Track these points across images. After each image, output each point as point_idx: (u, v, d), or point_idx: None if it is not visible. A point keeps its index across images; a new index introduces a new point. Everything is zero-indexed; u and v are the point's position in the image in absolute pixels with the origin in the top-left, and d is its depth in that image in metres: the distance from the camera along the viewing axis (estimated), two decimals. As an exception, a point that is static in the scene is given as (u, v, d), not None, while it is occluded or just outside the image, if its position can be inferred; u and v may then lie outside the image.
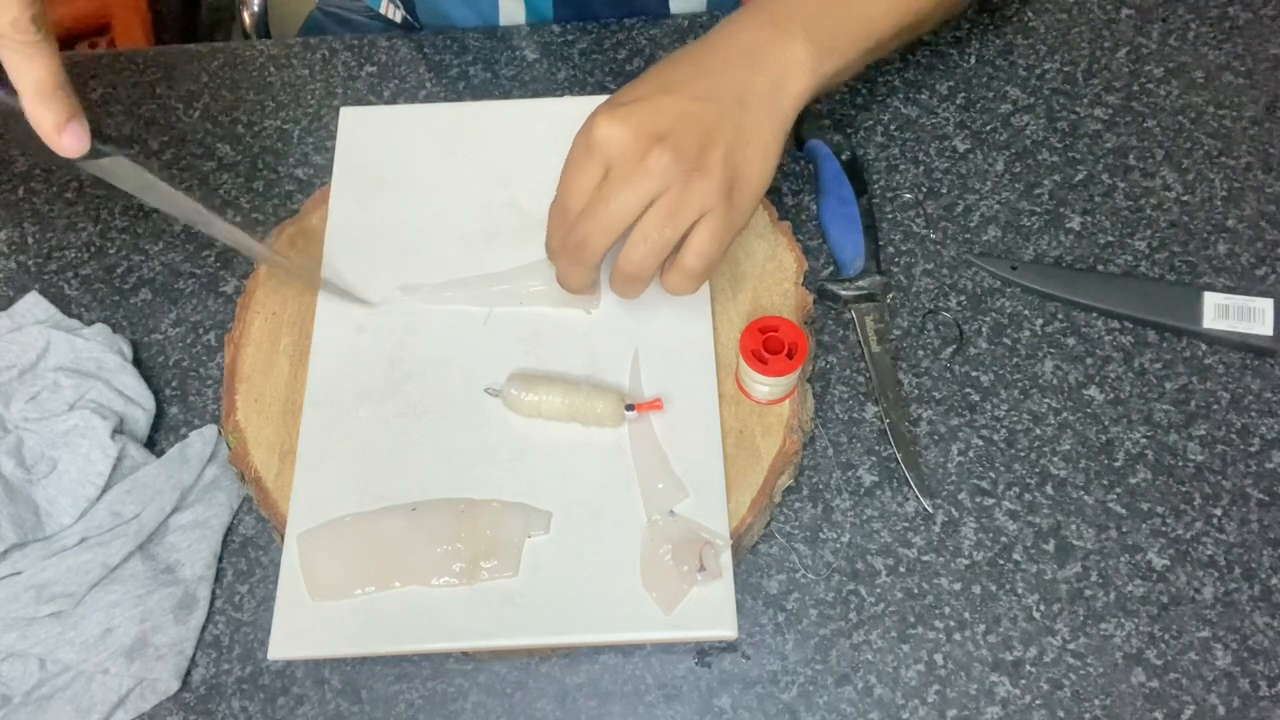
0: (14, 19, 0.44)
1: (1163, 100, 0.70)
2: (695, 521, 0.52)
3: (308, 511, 0.53)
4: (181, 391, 0.62)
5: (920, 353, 0.61)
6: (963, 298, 0.63)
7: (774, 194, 0.67)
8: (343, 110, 0.67)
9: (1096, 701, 0.52)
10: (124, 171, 0.51)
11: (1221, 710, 0.51)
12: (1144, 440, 0.58)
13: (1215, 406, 0.59)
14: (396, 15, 0.87)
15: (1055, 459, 0.58)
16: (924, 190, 0.67)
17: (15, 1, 0.44)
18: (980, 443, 0.58)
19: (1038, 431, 0.59)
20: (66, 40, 1.37)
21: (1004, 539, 0.56)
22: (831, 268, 0.64)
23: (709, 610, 0.50)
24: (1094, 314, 0.62)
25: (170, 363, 0.62)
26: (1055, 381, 0.60)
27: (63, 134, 0.47)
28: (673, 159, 0.48)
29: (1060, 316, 0.62)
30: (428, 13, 0.82)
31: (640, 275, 0.50)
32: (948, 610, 0.54)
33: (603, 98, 0.52)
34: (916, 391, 0.60)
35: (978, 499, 0.57)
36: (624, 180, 0.48)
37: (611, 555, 0.52)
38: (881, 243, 0.65)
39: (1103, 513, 0.56)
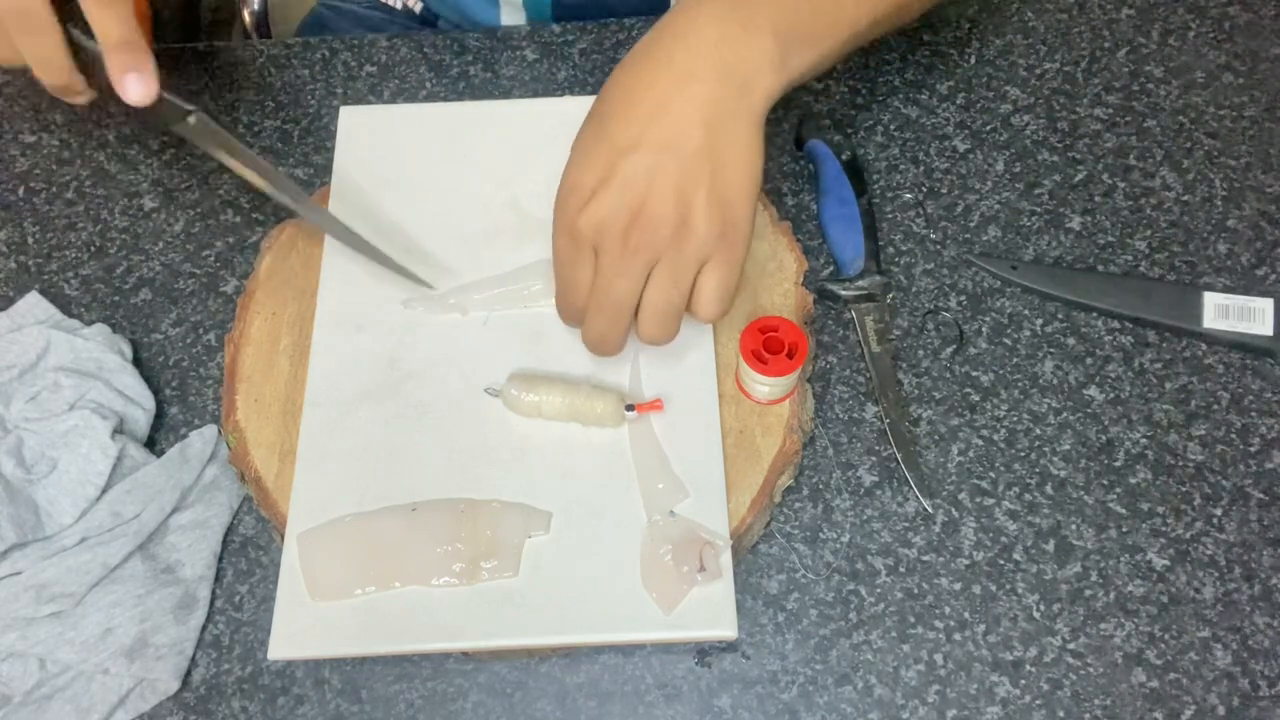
0: None
1: (1163, 100, 0.70)
2: (695, 521, 0.52)
3: (308, 511, 0.53)
4: (181, 391, 0.62)
5: (920, 353, 0.61)
6: (963, 298, 0.63)
7: (774, 194, 0.67)
8: (343, 110, 0.67)
9: (1096, 701, 0.52)
10: (205, 131, 0.55)
11: (1221, 710, 0.52)
12: (1144, 440, 0.58)
13: (1215, 406, 0.59)
14: (415, 4, 0.87)
15: (1055, 459, 0.58)
16: (924, 190, 0.67)
17: None
18: (980, 443, 0.58)
19: (1038, 431, 0.59)
20: (66, 40, 1.36)
21: (1004, 539, 0.56)
22: (831, 268, 0.64)
23: (709, 610, 0.50)
24: (1094, 314, 0.62)
25: (170, 363, 0.62)
26: (1055, 381, 0.60)
27: (126, 79, 0.50)
28: (655, 231, 0.46)
29: (1060, 316, 0.62)
30: (438, 2, 0.82)
31: (663, 338, 0.50)
32: (948, 610, 0.54)
33: None
34: (916, 391, 0.60)
35: (978, 499, 0.57)
36: (614, 270, 0.47)
37: (611, 555, 0.52)
38: (881, 243, 0.65)
39: (1103, 513, 0.56)
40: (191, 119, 0.55)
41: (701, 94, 0.46)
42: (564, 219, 0.48)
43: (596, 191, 0.46)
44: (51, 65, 0.51)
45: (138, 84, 0.51)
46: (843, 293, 0.62)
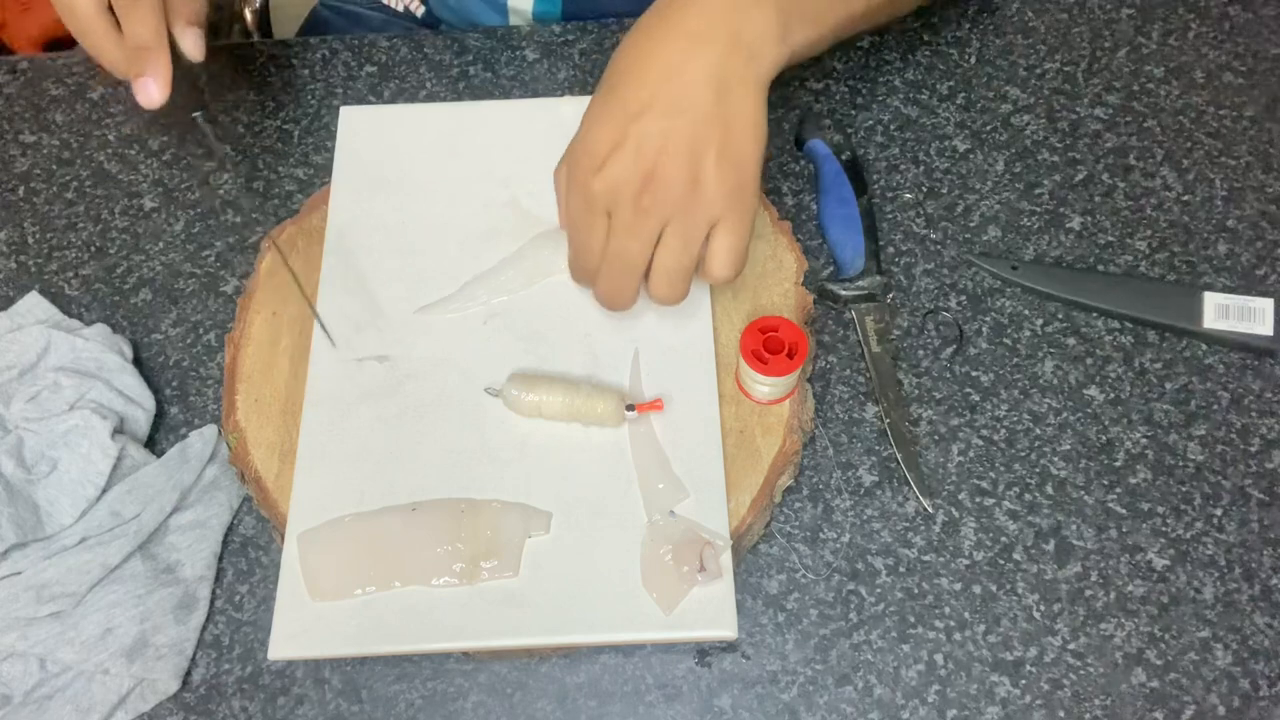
0: None
1: (1163, 100, 0.70)
2: (695, 522, 0.52)
3: (308, 511, 0.53)
4: (181, 391, 0.62)
5: (920, 353, 0.61)
6: (963, 298, 0.63)
7: (774, 194, 0.67)
8: (343, 110, 0.67)
9: (1097, 701, 0.52)
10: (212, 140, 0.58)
11: (1222, 710, 0.51)
12: (1144, 440, 0.58)
13: (1215, 406, 0.59)
14: (417, 8, 0.87)
15: (1055, 459, 0.58)
16: (924, 190, 0.67)
17: None
18: (980, 443, 0.58)
19: (1038, 431, 0.59)
20: (67, 40, 1.37)
21: (1004, 539, 0.56)
22: (831, 268, 0.64)
23: (709, 610, 0.50)
24: (1094, 314, 0.62)
25: (170, 363, 0.62)
26: (1055, 381, 0.60)
27: (139, 82, 0.53)
28: (667, 192, 0.47)
29: (1060, 316, 0.62)
30: (440, 4, 0.83)
31: (673, 299, 0.51)
32: (948, 610, 0.54)
33: None
34: (916, 391, 0.60)
35: (978, 499, 0.57)
36: (628, 231, 0.48)
37: (612, 555, 0.52)
38: (881, 243, 0.65)
39: (1103, 513, 0.56)
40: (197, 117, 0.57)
41: (711, 59, 0.48)
42: (578, 182, 0.49)
43: (610, 154, 0.47)
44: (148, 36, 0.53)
45: (147, 88, 0.53)
46: (843, 293, 0.62)
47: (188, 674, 0.53)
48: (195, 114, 0.57)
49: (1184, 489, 0.57)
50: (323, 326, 0.58)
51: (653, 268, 0.50)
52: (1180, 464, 0.58)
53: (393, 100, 0.72)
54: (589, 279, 0.53)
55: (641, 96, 0.48)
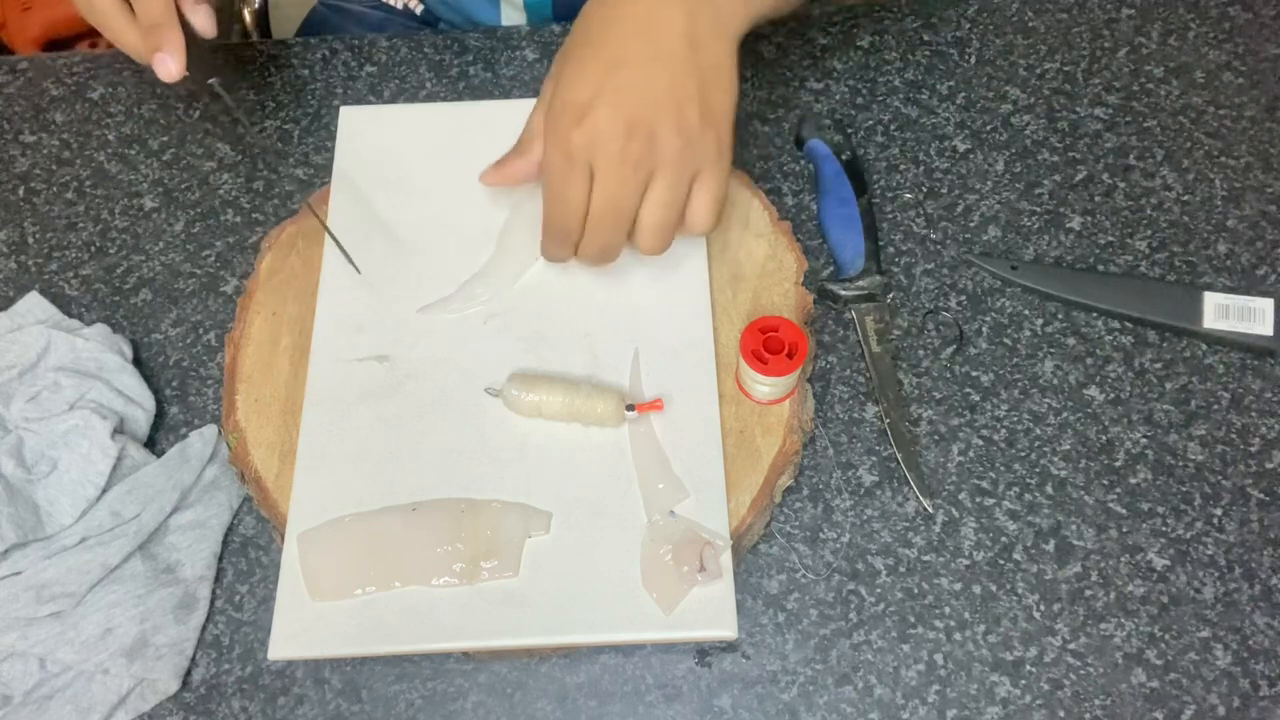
0: None
1: (1163, 100, 0.70)
2: (695, 522, 0.52)
3: (308, 511, 0.53)
4: (181, 391, 0.61)
5: (920, 353, 0.61)
6: (963, 298, 0.63)
7: (774, 194, 0.67)
8: (343, 110, 0.67)
9: (1097, 701, 0.52)
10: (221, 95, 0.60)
11: (1222, 710, 0.51)
12: (1144, 440, 0.58)
13: (1215, 406, 0.59)
14: (416, 5, 0.88)
15: (1055, 459, 0.58)
16: (924, 190, 0.67)
17: None
18: (980, 443, 0.58)
19: (1038, 431, 0.59)
20: (67, 40, 1.37)
21: (1004, 539, 0.56)
22: (831, 268, 0.64)
23: (709, 610, 0.50)
24: (1094, 314, 0.62)
25: (170, 363, 0.62)
26: (1055, 381, 0.60)
27: (156, 57, 0.54)
28: (651, 141, 0.48)
29: (1060, 316, 0.62)
30: (437, 1, 0.83)
31: (661, 249, 0.52)
32: (948, 610, 0.54)
33: None
34: (916, 391, 0.60)
35: (978, 499, 0.57)
36: (617, 182, 0.49)
37: (612, 555, 0.52)
38: (881, 243, 0.65)
39: (1103, 513, 0.56)
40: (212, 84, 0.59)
41: (682, 13, 0.49)
42: (557, 137, 0.49)
43: (589, 107, 0.48)
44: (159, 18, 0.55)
45: (164, 62, 0.55)
46: (843, 293, 0.62)
47: (188, 674, 0.53)
48: (211, 80, 0.59)
49: (1184, 489, 0.57)
50: (344, 253, 0.60)
51: (641, 221, 0.51)
52: (1180, 464, 0.58)
53: (393, 100, 0.72)
54: (568, 240, 0.52)
55: (618, 51, 0.49)
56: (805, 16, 0.73)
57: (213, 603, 0.55)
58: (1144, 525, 0.56)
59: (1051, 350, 0.61)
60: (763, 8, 0.53)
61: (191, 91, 0.59)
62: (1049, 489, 0.57)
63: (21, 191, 0.69)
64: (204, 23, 0.57)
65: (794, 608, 0.54)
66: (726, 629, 0.50)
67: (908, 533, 0.56)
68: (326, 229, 0.60)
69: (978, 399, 0.60)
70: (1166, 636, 0.53)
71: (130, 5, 0.55)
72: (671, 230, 0.51)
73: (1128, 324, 0.62)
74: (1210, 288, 0.62)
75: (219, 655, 0.54)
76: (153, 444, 0.60)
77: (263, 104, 0.72)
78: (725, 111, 0.50)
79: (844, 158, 0.65)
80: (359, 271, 0.60)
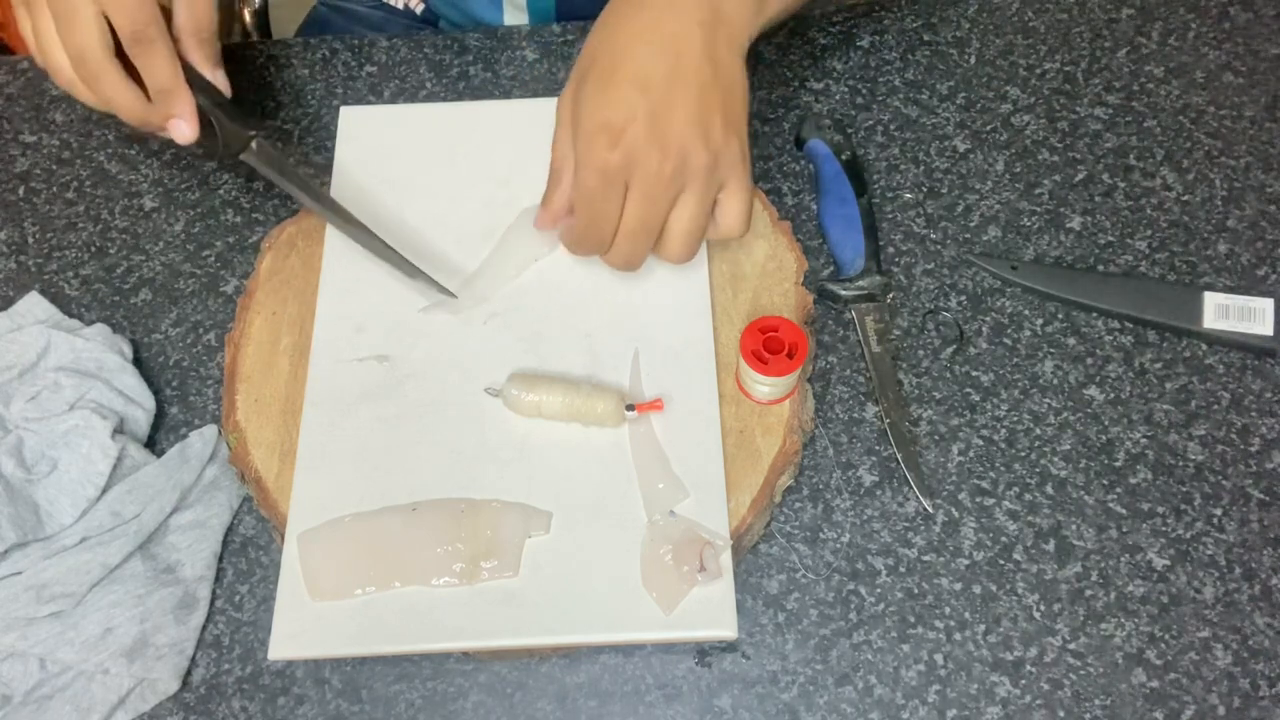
0: (132, 27, 0.53)
1: (1163, 100, 0.70)
2: (695, 521, 0.52)
3: (308, 511, 0.53)
4: (181, 391, 0.62)
5: (920, 353, 0.61)
6: (963, 298, 0.63)
7: (774, 194, 0.67)
8: (343, 110, 0.67)
9: (1097, 702, 0.52)
10: (266, 155, 0.59)
11: (1222, 710, 0.52)
12: (1144, 440, 0.58)
13: (1215, 406, 0.59)
14: (416, 5, 0.88)
15: (1055, 459, 0.58)
16: (924, 190, 0.67)
17: (127, 10, 0.52)
18: (980, 443, 0.58)
19: (1038, 431, 0.59)
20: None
21: (1004, 539, 0.56)
22: (831, 268, 0.64)
23: (709, 610, 0.50)
24: (1094, 314, 0.62)
25: (170, 363, 0.62)
26: (1055, 381, 0.60)
27: (170, 124, 0.57)
28: (686, 158, 0.50)
29: (1060, 316, 0.62)
30: (440, 2, 0.83)
31: (689, 258, 0.54)
32: (948, 610, 0.54)
33: None
34: (916, 391, 0.60)
35: (978, 499, 0.57)
36: (652, 199, 0.50)
37: (611, 555, 0.52)
38: (881, 243, 0.65)
39: (1103, 513, 0.56)
40: (254, 144, 0.59)
41: (700, 31, 0.51)
42: (593, 157, 0.50)
43: (623, 129, 0.49)
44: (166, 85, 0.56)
45: (179, 128, 0.57)
46: (843, 293, 0.62)
47: (188, 674, 0.53)
48: (250, 134, 0.59)
49: (1184, 489, 0.57)
50: (433, 281, 0.59)
51: (670, 231, 0.52)
52: (1180, 464, 0.58)
53: (393, 100, 0.72)
54: (600, 250, 0.54)
55: (641, 71, 0.50)
56: (805, 16, 0.73)
57: (213, 603, 0.55)
58: (1144, 525, 0.56)
59: (1051, 350, 0.61)
60: (768, 18, 0.55)
61: (234, 153, 0.59)
62: (1049, 489, 0.57)
63: (21, 191, 0.69)
64: (222, 86, 0.59)
65: (794, 608, 0.54)
66: (726, 629, 0.50)
67: (908, 533, 0.56)
68: (404, 259, 0.59)
69: (978, 399, 0.60)
70: (1166, 636, 0.53)
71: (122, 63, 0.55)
72: (700, 239, 0.53)
73: (1128, 324, 0.62)
74: (1210, 288, 0.62)
75: (219, 655, 0.54)
76: (153, 444, 0.60)
77: (263, 104, 0.72)
78: (743, 120, 0.52)
79: (844, 158, 0.65)
80: (454, 296, 0.59)
